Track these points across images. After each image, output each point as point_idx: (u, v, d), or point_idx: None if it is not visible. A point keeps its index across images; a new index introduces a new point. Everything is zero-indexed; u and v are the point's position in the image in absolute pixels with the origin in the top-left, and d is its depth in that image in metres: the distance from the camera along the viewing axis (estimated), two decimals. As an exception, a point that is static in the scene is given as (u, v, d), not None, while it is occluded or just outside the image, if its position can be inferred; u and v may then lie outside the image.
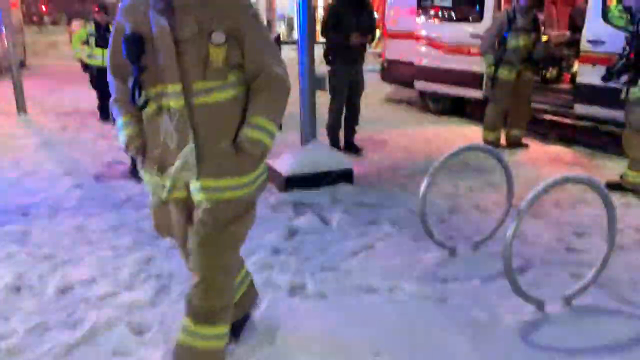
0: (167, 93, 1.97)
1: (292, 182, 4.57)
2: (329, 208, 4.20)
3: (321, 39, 6.05)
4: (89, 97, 9.80)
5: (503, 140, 6.26)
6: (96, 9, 7.54)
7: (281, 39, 8.12)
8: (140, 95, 2.02)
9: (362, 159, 5.70)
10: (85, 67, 7.62)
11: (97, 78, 7.46)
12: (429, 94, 8.42)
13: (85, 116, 8.23)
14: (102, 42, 7.15)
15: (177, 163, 2.01)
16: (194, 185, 2.06)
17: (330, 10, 5.80)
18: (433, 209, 4.12)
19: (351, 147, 5.92)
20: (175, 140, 2.00)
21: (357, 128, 6.03)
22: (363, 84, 5.93)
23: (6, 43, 8.51)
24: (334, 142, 5.90)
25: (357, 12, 5.57)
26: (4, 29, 8.69)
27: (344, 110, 5.89)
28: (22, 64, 16.62)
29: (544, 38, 6.78)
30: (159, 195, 2.12)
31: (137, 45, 1.96)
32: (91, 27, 7.39)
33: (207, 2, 1.95)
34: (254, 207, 2.24)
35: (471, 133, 6.95)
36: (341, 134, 5.98)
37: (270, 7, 26.77)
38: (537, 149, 6.13)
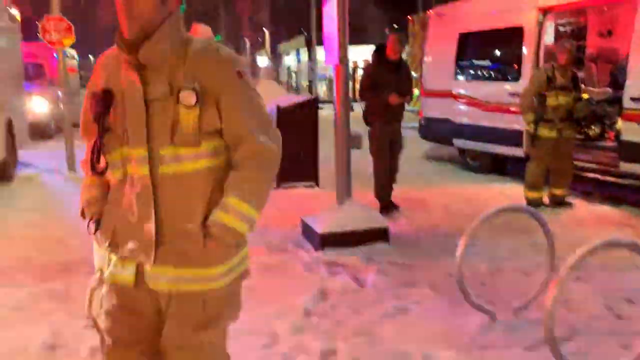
0: (132, 159, 1.70)
1: (327, 241, 4.55)
2: (364, 268, 4.14)
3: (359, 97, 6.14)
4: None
5: (546, 199, 6.09)
6: None
7: (320, 99, 8.32)
8: (98, 160, 1.75)
9: (400, 217, 5.63)
10: None
11: None
12: (468, 152, 8.36)
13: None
14: None
15: (133, 242, 1.72)
16: (150, 272, 1.72)
17: (368, 72, 5.89)
18: (472, 271, 3.99)
19: (389, 205, 5.88)
20: (137, 214, 1.70)
21: (394, 186, 6.00)
22: (402, 143, 5.93)
23: (61, 106, 9.00)
24: (385, 203, 5.79)
25: (394, 72, 5.66)
26: (60, 93, 9.24)
27: None
28: (77, 124, 17.62)
29: (585, 96, 6.69)
30: (103, 272, 1.80)
31: (103, 103, 1.71)
32: None
33: (181, 56, 1.70)
34: (236, 298, 1.88)
35: (512, 191, 6.79)
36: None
37: (312, 68, 27.64)
38: (581, 209, 5.92)
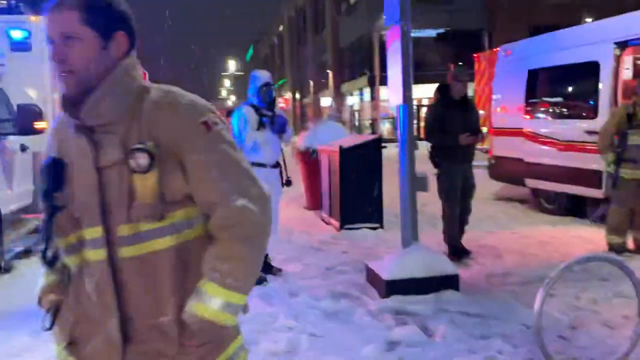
0: (86, 241, 1.38)
1: (393, 287, 4.36)
2: (432, 318, 3.92)
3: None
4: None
5: (630, 244, 5.64)
6: (220, 111, 8.00)
7: (383, 138, 8.23)
8: (48, 246, 1.42)
9: (470, 263, 5.37)
10: None
11: None
12: (542, 193, 7.96)
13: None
14: None
15: (95, 342, 1.39)
16: None
17: (433, 112, 5.69)
18: (551, 323, 3.69)
19: (459, 249, 5.60)
20: (97, 308, 1.38)
21: (466, 228, 5.73)
22: (474, 183, 5.69)
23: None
24: (455, 248, 5.52)
25: (461, 111, 5.48)
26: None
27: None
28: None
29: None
30: None
31: (53, 176, 1.38)
32: None
33: (136, 111, 1.36)
34: None
35: (592, 235, 6.35)
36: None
37: (375, 107, 27.78)
38: (673, 255, 5.42)
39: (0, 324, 3.99)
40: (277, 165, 5.11)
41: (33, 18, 6.98)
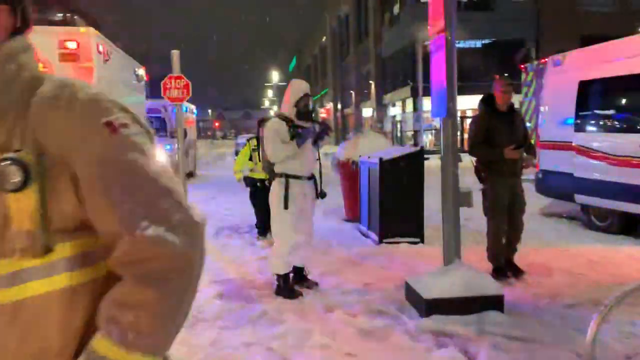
0: None
1: (434, 307, 4.18)
2: (474, 340, 3.72)
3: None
4: (242, 206, 10.51)
5: (691, 267, 5.27)
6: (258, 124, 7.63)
7: (426, 150, 8.03)
8: None
9: (515, 283, 5.12)
10: (247, 182, 7.53)
11: (258, 192, 7.29)
12: (593, 209, 7.60)
13: (237, 224, 8.72)
14: None
15: None
16: None
17: (477, 124, 5.45)
18: (605, 352, 3.44)
19: (511, 268, 5.33)
20: None
21: (519, 246, 5.43)
22: (524, 199, 5.42)
23: (176, 157, 9.53)
24: (498, 269, 5.28)
25: (507, 123, 5.25)
26: (176, 145, 9.81)
27: (507, 229, 5.36)
28: (192, 174, 18.75)
29: None
30: None
31: None
32: (254, 143, 7.16)
33: (23, 109, 1.02)
34: None
35: (648, 256, 5.99)
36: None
37: (418, 118, 27.44)
38: None
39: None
40: (312, 176, 5.02)
41: (82, 30, 7.17)
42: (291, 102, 4.90)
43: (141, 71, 10.00)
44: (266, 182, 5.32)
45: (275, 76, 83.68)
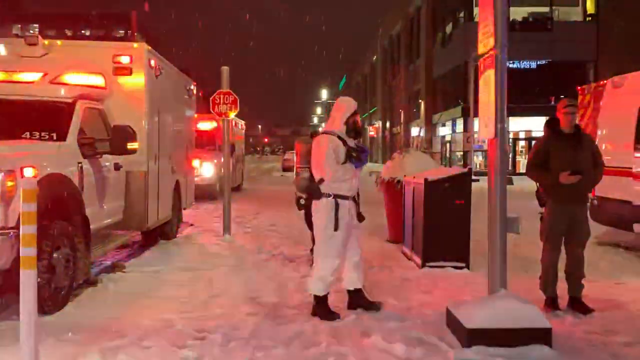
0: None
1: (476, 337, 3.97)
2: (519, 377, 3.49)
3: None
4: (285, 222, 10.49)
5: None
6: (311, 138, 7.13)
7: (475, 171, 7.77)
8: None
9: (566, 317, 4.82)
10: (299, 204, 6.54)
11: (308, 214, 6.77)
12: (653, 240, 7.14)
13: (280, 239, 8.69)
14: None
15: None
16: None
17: (539, 146, 5.19)
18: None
19: (577, 305, 4.97)
20: None
21: (584, 281, 5.07)
22: (588, 229, 5.12)
23: (222, 170, 9.64)
24: (550, 301, 5.01)
25: (572, 147, 4.93)
26: (221, 160, 9.92)
27: (565, 260, 5.08)
28: (239, 188, 18.98)
29: None
30: None
31: None
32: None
33: None
34: None
35: None
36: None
37: (468, 138, 26.88)
38: None
39: (73, 338, 4.05)
40: (355, 198, 4.91)
41: (135, 45, 7.38)
42: (342, 120, 4.85)
43: (192, 86, 10.21)
44: (301, 201, 5.14)
45: (324, 94, 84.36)
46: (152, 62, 7.42)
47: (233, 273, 6.44)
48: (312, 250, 6.59)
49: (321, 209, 4.75)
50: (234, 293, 5.52)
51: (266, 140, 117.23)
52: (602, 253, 7.64)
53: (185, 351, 3.85)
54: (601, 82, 9.26)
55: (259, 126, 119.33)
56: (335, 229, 4.66)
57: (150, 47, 7.44)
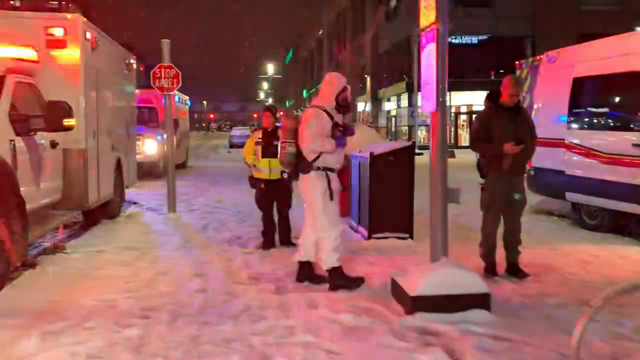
0: None
1: (419, 304, 4.11)
2: (459, 340, 3.64)
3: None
4: (232, 199, 10.41)
5: (681, 268, 5.22)
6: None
7: (419, 145, 7.94)
8: None
9: (504, 281, 5.05)
10: (252, 181, 6.57)
11: (261, 196, 6.46)
12: (584, 208, 7.55)
13: (227, 217, 8.62)
14: (268, 151, 6.25)
15: None
16: None
17: (481, 119, 5.38)
18: (590, 352, 3.38)
19: (514, 271, 5.22)
20: None
21: (520, 248, 5.32)
22: (525, 198, 5.37)
23: (164, 147, 9.41)
24: (490, 267, 5.24)
25: (512, 119, 5.14)
26: (164, 136, 9.69)
27: (503, 228, 5.31)
28: (184, 165, 18.60)
29: None
30: None
31: None
32: (259, 135, 6.46)
33: None
34: None
35: (636, 255, 5.95)
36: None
37: (412, 113, 27.37)
38: None
39: (11, 322, 3.91)
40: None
41: (69, 16, 7.01)
42: (333, 95, 4.86)
43: (132, 60, 9.84)
44: (283, 175, 5.15)
45: (270, 69, 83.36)
46: (88, 35, 7.09)
47: (179, 251, 6.36)
48: (286, 241, 6.42)
49: (314, 182, 4.79)
50: (180, 271, 5.45)
51: (212, 116, 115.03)
52: (537, 221, 8.03)
53: (129, 330, 3.79)
54: (537, 57, 9.58)
55: (204, 102, 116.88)
56: (331, 198, 4.78)
57: (85, 19, 7.10)
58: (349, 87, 4.99)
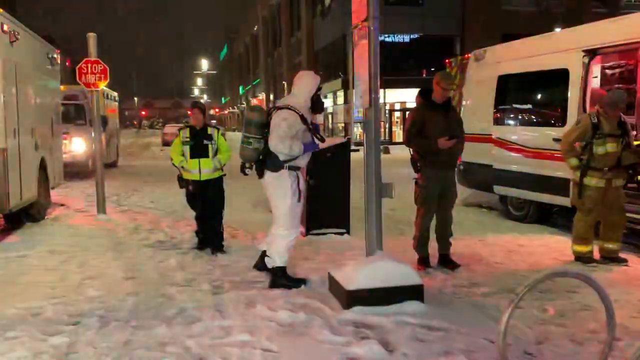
0: None
1: (355, 298, 4.17)
2: (394, 331, 3.73)
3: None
4: (166, 198, 10.14)
5: (596, 254, 5.58)
6: (189, 111, 6.44)
7: (355, 142, 8.04)
8: None
9: (436, 272, 5.22)
10: (181, 181, 6.18)
11: (193, 197, 6.19)
12: (510, 200, 7.92)
13: (160, 217, 8.39)
14: (198, 151, 6.00)
15: None
16: None
17: (413, 116, 5.50)
18: (516, 338, 3.56)
19: (447, 262, 5.39)
20: None
21: (452, 239, 5.51)
22: (456, 192, 5.57)
23: (93, 146, 9.03)
24: (423, 259, 5.41)
25: (443, 115, 5.30)
26: (92, 134, 9.30)
27: (435, 221, 5.47)
28: (114, 164, 17.93)
29: (636, 142, 6.21)
30: None
31: None
32: (185, 134, 6.10)
33: None
34: None
35: (558, 244, 6.30)
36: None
37: (348, 110, 27.72)
38: (637, 266, 5.39)
39: None
40: None
41: None
42: (308, 94, 4.80)
43: (55, 55, 9.36)
44: (246, 170, 4.98)
45: (205, 64, 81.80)
46: (5, 27, 6.68)
47: (109, 254, 6.12)
48: (218, 247, 6.05)
49: (283, 181, 4.73)
50: (110, 274, 5.26)
51: (144, 113, 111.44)
52: (467, 213, 8.34)
53: (57, 338, 3.62)
54: (466, 55, 9.94)
55: (136, 99, 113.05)
56: (299, 199, 4.76)
57: (2, 10, 6.69)
58: (321, 86, 4.98)
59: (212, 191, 6.09)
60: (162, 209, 9.17)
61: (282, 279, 4.78)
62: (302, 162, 4.87)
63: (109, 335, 3.71)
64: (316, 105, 4.85)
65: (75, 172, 12.94)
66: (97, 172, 8.61)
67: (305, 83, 4.87)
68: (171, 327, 3.86)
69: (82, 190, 11.37)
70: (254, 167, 4.85)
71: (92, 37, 8.46)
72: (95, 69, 8.40)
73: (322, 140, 5.00)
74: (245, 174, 5.20)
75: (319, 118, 38.44)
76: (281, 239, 4.78)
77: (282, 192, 4.75)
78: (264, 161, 4.75)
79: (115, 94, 19.64)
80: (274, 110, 4.84)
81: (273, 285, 4.74)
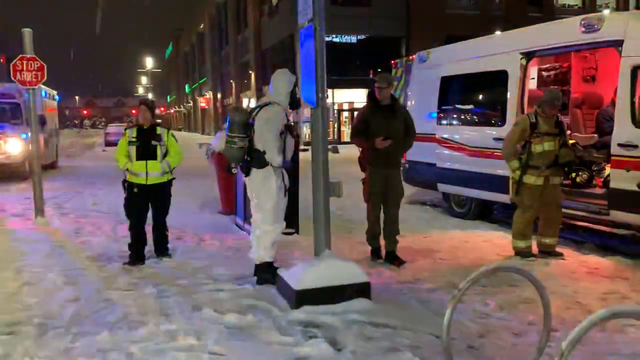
0: None
1: (304, 298, 4.17)
2: (342, 330, 3.76)
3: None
4: (109, 200, 9.82)
5: (535, 249, 5.82)
6: (134, 110, 5.98)
7: (304, 142, 8.05)
8: None
9: (382, 269, 5.30)
10: (125, 185, 5.71)
11: (134, 202, 5.65)
12: (453, 197, 8.14)
13: (102, 220, 8.12)
14: (145, 152, 5.59)
15: None
16: None
17: (359, 115, 5.77)
18: (460, 332, 3.66)
19: (392, 259, 5.53)
20: None
21: (399, 237, 5.65)
22: (402, 190, 5.71)
23: (30, 146, 8.64)
24: (375, 251, 5.64)
25: (387, 117, 5.46)
26: (29, 134, 8.89)
27: (383, 218, 5.62)
28: (54, 165, 17.20)
29: (571, 141, 6.53)
30: None
31: None
32: (132, 133, 5.69)
33: None
34: None
35: (499, 240, 6.52)
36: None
37: (297, 111, 27.74)
38: (572, 259, 5.64)
39: None
40: None
41: None
42: (287, 91, 4.89)
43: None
44: (232, 170, 4.93)
45: (149, 62, 79.75)
46: None
47: (48, 259, 5.86)
48: (162, 251, 5.84)
49: (269, 177, 4.76)
50: (49, 280, 5.04)
51: (86, 112, 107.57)
52: (412, 211, 8.51)
53: (-10, 349, 3.44)
54: (410, 57, 10.14)
55: (77, 97, 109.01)
56: (285, 194, 4.85)
57: None
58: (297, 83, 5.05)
59: (159, 197, 5.72)
60: (104, 211, 8.87)
61: (267, 273, 4.82)
62: (287, 161, 4.96)
63: (47, 344, 3.56)
64: (294, 101, 4.99)
65: (11, 173, 12.34)
66: (34, 174, 8.24)
67: (283, 81, 4.97)
68: (113, 333, 3.74)
69: (18, 193, 10.85)
70: (238, 167, 4.89)
71: (27, 33, 8.08)
72: (31, 67, 8.03)
73: (297, 137, 5.10)
74: (232, 173, 5.21)
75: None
76: (266, 235, 4.85)
77: (269, 189, 4.81)
78: (251, 159, 4.81)
79: (55, 92, 18.86)
80: (257, 109, 4.89)
81: (259, 281, 4.82)
